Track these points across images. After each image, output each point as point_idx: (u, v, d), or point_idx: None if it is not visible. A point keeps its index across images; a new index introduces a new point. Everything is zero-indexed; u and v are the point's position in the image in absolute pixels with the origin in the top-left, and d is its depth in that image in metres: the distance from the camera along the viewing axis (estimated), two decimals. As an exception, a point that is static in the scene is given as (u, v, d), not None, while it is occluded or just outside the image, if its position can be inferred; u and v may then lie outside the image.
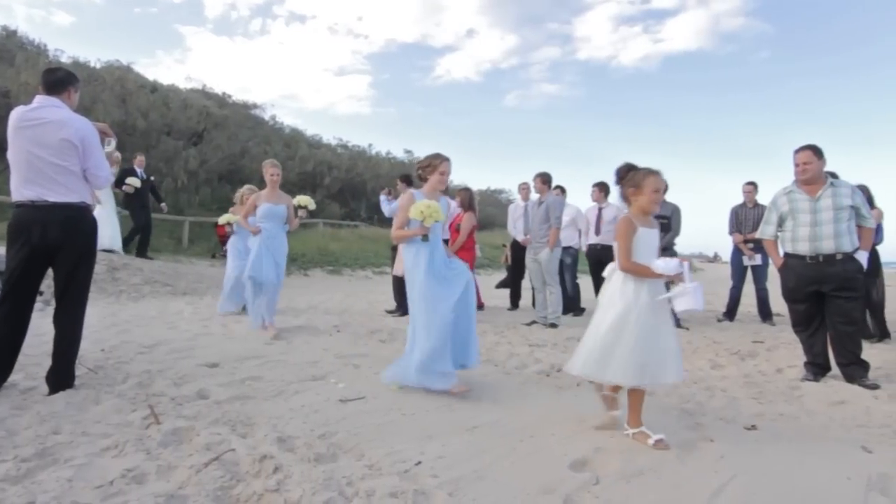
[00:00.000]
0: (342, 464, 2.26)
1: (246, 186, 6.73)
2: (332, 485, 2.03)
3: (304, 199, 5.75)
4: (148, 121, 16.04)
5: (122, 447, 2.29)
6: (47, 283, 3.61)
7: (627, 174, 2.81)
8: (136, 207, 9.81)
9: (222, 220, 6.68)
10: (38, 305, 5.25)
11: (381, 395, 3.28)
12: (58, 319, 3.11)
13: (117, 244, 9.29)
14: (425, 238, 3.48)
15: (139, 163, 10.10)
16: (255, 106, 24.39)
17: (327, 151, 22.99)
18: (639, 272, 2.66)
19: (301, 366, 3.95)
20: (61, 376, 3.07)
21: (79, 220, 3.09)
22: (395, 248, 6.89)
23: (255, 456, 2.23)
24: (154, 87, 19.06)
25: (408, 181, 7.69)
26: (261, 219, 5.49)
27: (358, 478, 2.12)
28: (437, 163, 3.59)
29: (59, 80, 3.14)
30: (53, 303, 3.17)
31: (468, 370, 3.62)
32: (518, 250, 8.09)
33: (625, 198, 2.86)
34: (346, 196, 21.32)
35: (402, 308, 7.13)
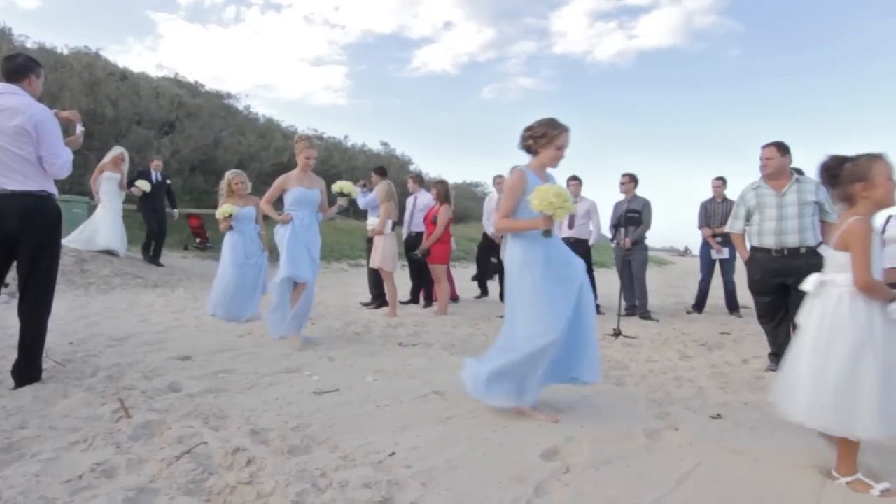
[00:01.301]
0: (316, 455, 2.27)
1: (232, 171, 5.98)
2: (306, 476, 2.04)
3: (346, 186, 5.03)
4: (117, 109, 15.65)
5: (91, 441, 2.26)
6: (13, 275, 3.53)
7: (842, 167, 2.24)
8: (147, 211, 9.41)
9: (221, 211, 5.58)
10: (2, 298, 5.14)
11: (355, 387, 3.29)
12: (23, 311, 3.04)
13: (115, 245, 8.69)
14: (548, 233, 2.79)
15: (155, 166, 9.65)
16: (228, 95, 23.96)
17: (302, 142, 22.70)
18: (878, 292, 2.10)
19: (275, 358, 3.93)
20: (28, 370, 3.00)
21: (38, 209, 3.01)
22: (370, 241, 6.88)
23: (228, 448, 2.23)
24: (124, 75, 18.59)
25: (382, 173, 7.67)
26: (291, 206, 4.64)
27: (331, 469, 2.13)
28: (554, 133, 2.82)
29: (18, 66, 3.05)
30: (18, 295, 3.10)
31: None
32: (487, 241, 8.18)
33: (846, 198, 2.25)
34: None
35: (377, 300, 7.13)
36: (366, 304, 7.27)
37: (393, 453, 2.33)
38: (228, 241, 5.73)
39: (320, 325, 5.54)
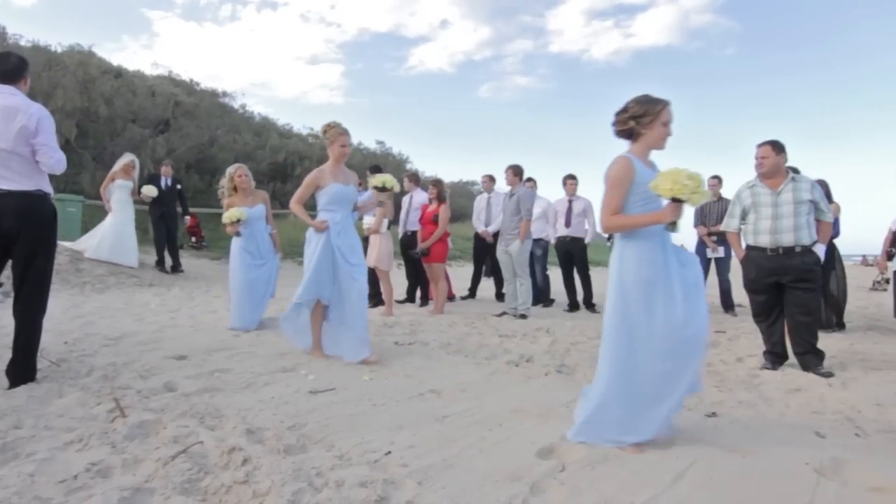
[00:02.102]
0: (312, 454, 2.27)
1: (234, 165, 5.37)
2: (302, 475, 2.04)
3: (388, 179, 4.24)
4: (112, 108, 15.58)
5: (86, 441, 2.25)
6: (7, 274, 3.51)
7: None
8: (154, 218, 9.18)
9: (229, 216, 5.01)
10: (-3, 297, 5.13)
11: (351, 387, 3.29)
12: (17, 311, 3.03)
13: (127, 260, 8.47)
14: (674, 225, 2.53)
15: (165, 171, 9.35)
16: (224, 94, 23.84)
17: (298, 141, 22.67)
18: None
19: (271, 357, 3.93)
20: (22, 369, 3.00)
21: (34, 208, 3.01)
22: (366, 240, 6.88)
23: (224, 448, 2.23)
24: (118, 73, 18.51)
25: (378, 172, 7.66)
26: (327, 205, 4.05)
27: (327, 468, 2.13)
28: (657, 108, 2.52)
29: (14, 67, 3.05)
30: (13, 294, 3.09)
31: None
32: (480, 242, 8.18)
33: None
34: (317, 186, 21.06)
35: (373, 299, 7.13)
36: (362, 303, 7.25)
37: (389, 452, 2.33)
38: (236, 246, 5.20)
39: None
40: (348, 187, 4.11)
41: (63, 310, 5.40)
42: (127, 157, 8.76)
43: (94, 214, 11.80)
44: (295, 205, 4.13)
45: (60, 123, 3.48)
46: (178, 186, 9.55)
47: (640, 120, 2.52)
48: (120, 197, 8.46)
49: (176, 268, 9.13)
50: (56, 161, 3.08)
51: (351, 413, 2.83)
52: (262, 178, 19.03)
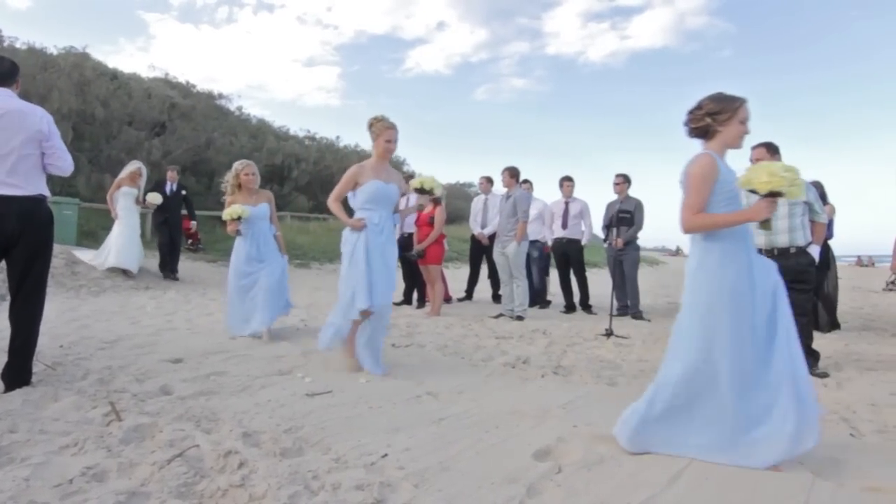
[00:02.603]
0: (308, 458, 2.27)
1: (241, 162, 5.02)
2: (298, 479, 2.04)
3: (428, 181, 3.96)
4: (108, 110, 15.57)
5: (81, 445, 2.25)
6: (2, 278, 3.50)
7: None
8: (158, 223, 9.01)
9: (229, 213, 4.73)
10: (-9, 301, 5.10)
11: (347, 389, 3.29)
12: (14, 314, 3.02)
13: (129, 264, 8.24)
14: (767, 224, 2.43)
15: (171, 177, 9.16)
16: (220, 96, 23.89)
17: (295, 143, 22.69)
18: None
19: (267, 360, 3.93)
20: (18, 373, 2.98)
21: (35, 212, 3.02)
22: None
23: (220, 451, 2.22)
24: (114, 75, 18.50)
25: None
26: (366, 204, 3.77)
27: (324, 471, 2.13)
28: (735, 106, 2.41)
29: (8, 71, 3.05)
30: (9, 298, 3.08)
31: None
32: (476, 244, 8.18)
33: None
34: (314, 189, 21.09)
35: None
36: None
37: (385, 455, 2.33)
38: (236, 246, 4.95)
39: (312, 327, 5.52)
40: (389, 186, 3.81)
41: (58, 313, 5.39)
42: (133, 165, 8.61)
43: (91, 217, 11.78)
44: (333, 202, 3.83)
45: (56, 126, 3.49)
46: (184, 192, 9.39)
47: (717, 117, 2.42)
48: (125, 204, 8.35)
49: (170, 274, 8.92)
50: (70, 163, 3.16)
51: (347, 416, 2.83)
52: (259, 181, 19.04)
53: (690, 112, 2.49)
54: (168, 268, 8.93)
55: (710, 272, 2.38)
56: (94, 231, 11.58)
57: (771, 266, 2.50)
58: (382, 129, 3.76)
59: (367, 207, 3.76)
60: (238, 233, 4.81)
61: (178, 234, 9.20)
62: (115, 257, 8.14)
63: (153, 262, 9.25)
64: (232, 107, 23.89)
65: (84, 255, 8.46)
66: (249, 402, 2.96)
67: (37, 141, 2.97)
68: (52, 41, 34.95)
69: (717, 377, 2.33)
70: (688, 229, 2.44)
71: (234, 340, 4.60)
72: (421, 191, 3.96)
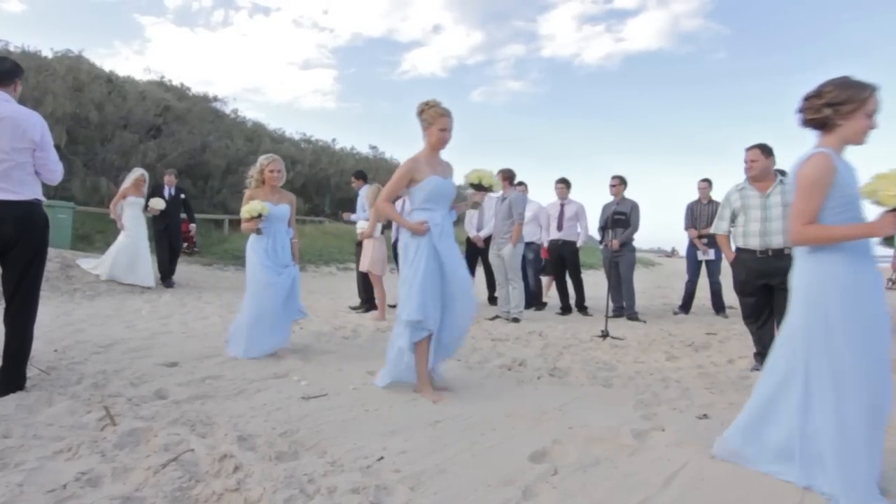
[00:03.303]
0: (304, 461, 2.26)
1: (267, 156, 4.55)
2: (294, 482, 2.04)
3: (486, 176, 3.53)
4: (103, 113, 15.51)
5: (75, 450, 2.24)
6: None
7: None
8: (158, 231, 8.59)
9: (249, 210, 4.22)
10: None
11: (343, 392, 3.28)
12: (8, 319, 3.01)
13: (145, 281, 7.99)
14: (890, 241, 2.22)
15: (169, 181, 8.80)
16: (215, 99, 23.82)
17: (291, 146, 22.66)
18: None
19: (263, 364, 3.92)
20: (12, 378, 2.97)
21: (32, 217, 3.01)
22: (359, 244, 6.88)
23: (215, 455, 2.22)
24: (109, 78, 18.43)
25: (362, 177, 7.68)
26: (425, 203, 3.31)
27: (320, 475, 2.13)
28: (863, 96, 2.10)
29: (7, 71, 3.03)
30: (3, 302, 3.07)
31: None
32: (471, 246, 8.18)
33: None
34: (309, 191, 21.07)
35: (366, 304, 7.12)
36: (354, 308, 7.25)
37: (381, 458, 2.33)
38: (255, 248, 4.37)
39: (308, 330, 5.52)
40: (447, 181, 3.38)
41: (53, 317, 5.36)
42: (137, 172, 8.29)
43: (85, 221, 11.74)
44: (384, 203, 3.40)
45: (51, 129, 3.45)
46: (183, 195, 9.10)
47: (840, 108, 2.10)
48: (132, 214, 8.05)
49: (166, 278, 8.59)
50: (60, 172, 3.16)
51: (343, 419, 2.83)
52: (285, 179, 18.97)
53: (807, 99, 2.19)
54: (166, 276, 8.64)
55: (828, 293, 2.09)
56: (88, 234, 11.55)
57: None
58: (436, 116, 3.26)
59: (427, 207, 3.29)
60: (258, 231, 4.33)
61: (178, 241, 8.94)
62: (126, 273, 7.84)
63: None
64: (227, 110, 23.83)
65: (86, 263, 8.19)
66: (245, 406, 2.96)
67: (29, 150, 2.96)
68: (48, 44, 34.87)
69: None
70: (797, 241, 2.17)
71: (229, 343, 4.57)
72: (479, 187, 3.53)
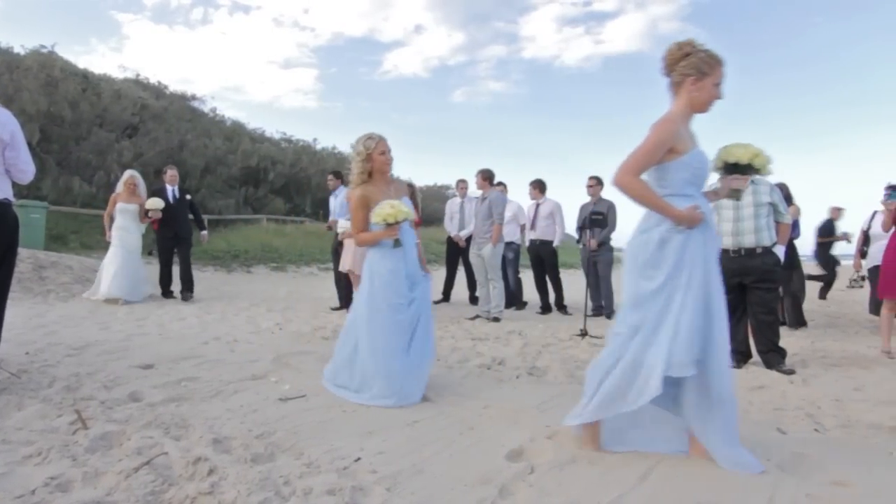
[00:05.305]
0: (280, 463, 2.25)
1: (373, 136, 3.31)
2: (269, 484, 2.02)
3: (759, 156, 2.49)
4: (77, 111, 15.23)
5: (45, 454, 2.20)
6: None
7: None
8: (163, 240, 7.64)
9: (387, 214, 3.17)
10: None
11: (322, 393, 3.27)
12: (-25, 322, 2.93)
13: (134, 293, 7.02)
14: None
15: (171, 178, 7.62)
16: (194, 97, 23.56)
17: (271, 146, 22.48)
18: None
19: (240, 365, 3.88)
20: (-20, 382, 2.88)
21: (2, 217, 2.96)
22: (340, 244, 6.84)
23: (189, 458, 2.19)
24: (84, 76, 18.10)
25: (339, 176, 7.65)
26: (684, 188, 2.32)
27: (295, 476, 2.11)
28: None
29: None
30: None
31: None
32: (452, 246, 8.21)
33: None
34: (290, 191, 20.93)
35: (347, 304, 7.09)
36: (335, 309, 7.22)
37: (358, 458, 2.32)
38: (383, 265, 3.27)
39: (287, 331, 5.48)
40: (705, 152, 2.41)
41: (25, 319, 5.25)
42: (127, 175, 7.38)
43: (59, 221, 11.52)
44: (633, 177, 2.27)
45: (23, 127, 3.37)
46: (189, 197, 7.86)
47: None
48: (123, 223, 7.12)
49: (175, 293, 7.61)
50: (32, 172, 3.11)
51: (321, 420, 2.81)
52: (234, 184, 18.83)
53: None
54: (186, 286, 7.65)
55: None
56: (62, 235, 11.34)
57: None
58: (714, 64, 2.32)
59: (686, 192, 2.30)
60: (398, 243, 3.26)
61: (187, 251, 7.76)
62: (130, 291, 6.93)
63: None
64: (206, 108, 23.58)
65: (88, 296, 7.07)
66: (221, 408, 2.93)
67: None
68: (20, 41, 34.11)
69: None
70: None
71: (206, 345, 4.53)
72: (744, 169, 2.51)
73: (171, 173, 7.71)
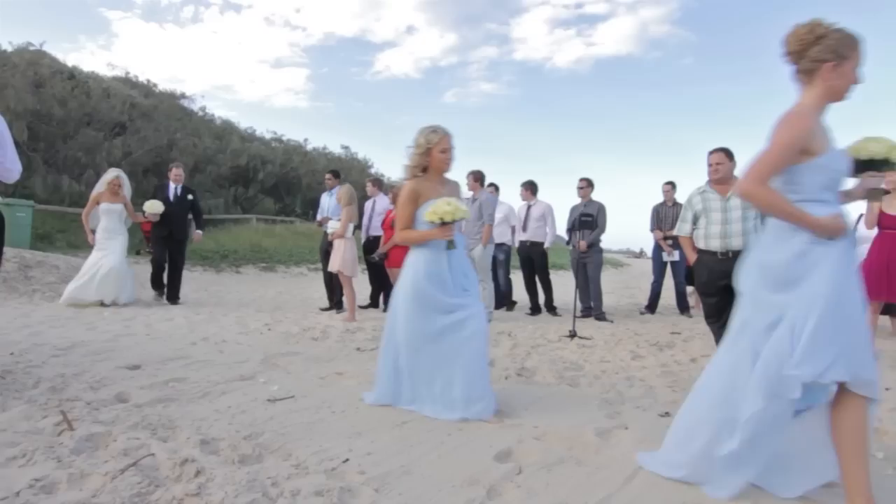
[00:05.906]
0: (268, 464, 2.24)
1: (437, 130, 3.07)
2: (256, 486, 2.02)
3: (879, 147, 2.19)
4: (65, 109, 15.10)
5: (30, 456, 2.17)
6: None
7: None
8: (160, 239, 7.32)
9: (444, 212, 2.93)
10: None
11: (311, 394, 3.26)
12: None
13: (122, 296, 6.72)
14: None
15: (175, 176, 7.39)
16: (183, 96, 23.41)
17: (261, 145, 22.40)
18: None
19: (229, 366, 3.86)
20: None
21: None
22: (330, 244, 6.83)
23: (176, 460, 2.18)
24: (72, 73, 17.94)
25: (337, 175, 7.64)
26: (822, 193, 2.04)
27: (283, 478, 2.11)
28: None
29: None
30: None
31: None
32: None
33: None
34: (280, 191, 20.87)
35: (336, 305, 7.09)
36: (324, 309, 7.20)
37: (347, 460, 2.32)
38: (427, 269, 3.04)
39: (276, 331, 5.46)
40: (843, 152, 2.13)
41: (10, 319, 5.20)
42: (111, 174, 6.99)
43: (46, 220, 11.41)
44: (759, 186, 2.00)
45: (10, 125, 3.33)
46: (191, 196, 7.56)
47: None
48: (107, 225, 6.78)
49: (173, 297, 7.37)
50: (18, 171, 3.06)
51: (309, 421, 2.81)
52: (224, 183, 18.74)
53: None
54: (171, 291, 7.40)
55: None
56: (49, 234, 11.24)
57: None
58: (850, 45, 2.04)
59: (823, 198, 2.03)
60: (452, 244, 3.05)
61: (181, 254, 7.53)
62: (118, 293, 6.66)
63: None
64: (195, 107, 23.45)
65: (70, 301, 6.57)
66: (209, 409, 2.91)
67: None
68: (8, 38, 33.76)
69: None
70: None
71: (194, 346, 4.51)
72: (875, 164, 2.17)
73: (177, 171, 7.47)
